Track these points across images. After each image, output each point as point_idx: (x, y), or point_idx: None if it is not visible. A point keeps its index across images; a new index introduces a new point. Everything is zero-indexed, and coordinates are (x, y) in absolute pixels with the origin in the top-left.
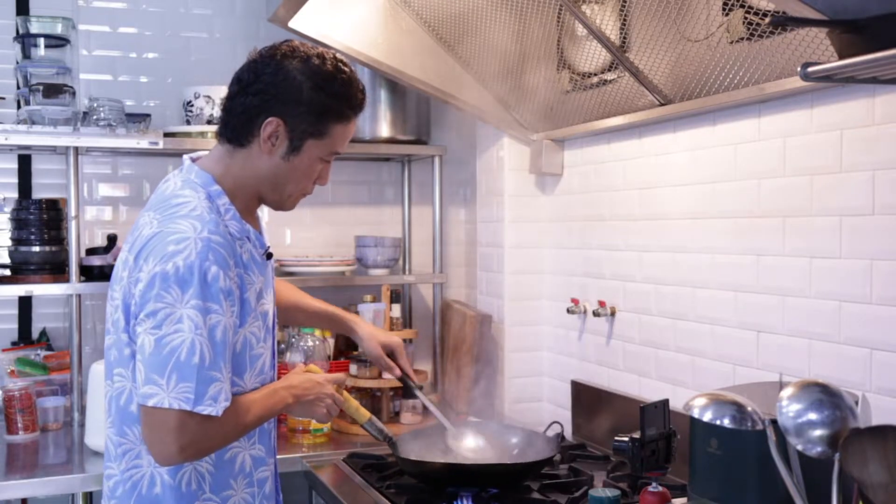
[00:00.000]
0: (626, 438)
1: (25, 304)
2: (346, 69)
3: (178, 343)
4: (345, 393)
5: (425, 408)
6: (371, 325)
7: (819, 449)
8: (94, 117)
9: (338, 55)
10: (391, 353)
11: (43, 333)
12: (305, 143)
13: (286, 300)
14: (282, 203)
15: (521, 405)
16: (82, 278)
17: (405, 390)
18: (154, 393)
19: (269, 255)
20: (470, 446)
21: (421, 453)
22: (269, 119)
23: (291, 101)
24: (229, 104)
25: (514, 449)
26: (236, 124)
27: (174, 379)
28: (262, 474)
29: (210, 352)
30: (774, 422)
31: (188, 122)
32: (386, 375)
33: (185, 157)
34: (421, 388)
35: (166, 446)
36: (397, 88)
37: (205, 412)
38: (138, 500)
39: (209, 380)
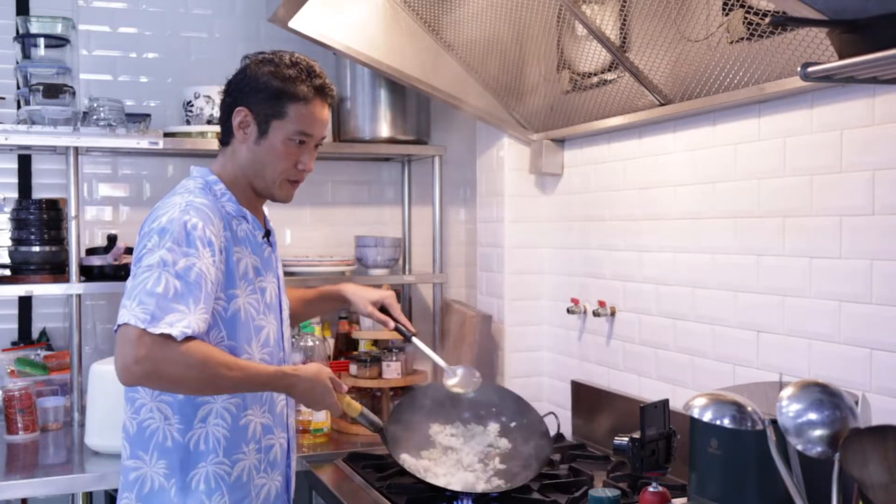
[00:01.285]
0: (626, 438)
1: (25, 304)
2: (302, 61)
3: (147, 275)
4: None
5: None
6: (358, 285)
7: (819, 449)
8: (94, 117)
9: (304, 56)
10: (383, 308)
11: (43, 333)
12: (271, 125)
13: (291, 299)
14: (270, 189)
15: None
16: (82, 278)
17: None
18: (122, 314)
19: (268, 234)
20: (462, 388)
21: (415, 452)
22: (237, 109)
23: (251, 91)
24: (219, 113)
25: (508, 421)
26: (222, 126)
27: (137, 300)
28: (268, 441)
29: (179, 287)
30: (774, 422)
31: (188, 122)
32: (386, 370)
33: (193, 166)
34: (416, 334)
35: (123, 358)
36: (397, 88)
37: (158, 331)
38: (156, 447)
39: (170, 309)
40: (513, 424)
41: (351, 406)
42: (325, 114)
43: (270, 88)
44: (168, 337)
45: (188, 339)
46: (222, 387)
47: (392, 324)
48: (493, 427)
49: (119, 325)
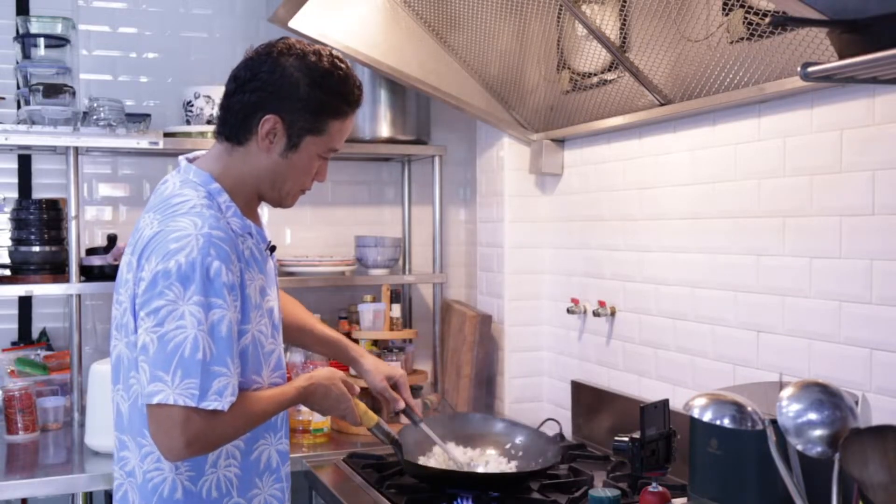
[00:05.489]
0: (626, 438)
1: (25, 304)
2: (342, 66)
3: (181, 339)
4: (353, 398)
5: (426, 407)
6: (375, 357)
7: (819, 449)
8: (94, 117)
9: (334, 52)
10: (395, 385)
11: (43, 333)
12: (304, 140)
13: (296, 320)
14: (281, 200)
15: (521, 405)
16: (82, 278)
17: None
18: (159, 390)
19: (273, 248)
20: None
21: (425, 454)
22: (267, 116)
23: (289, 98)
24: (227, 102)
25: (517, 451)
26: (234, 122)
27: (179, 375)
28: (288, 469)
29: (213, 347)
30: (774, 422)
31: (188, 122)
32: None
33: (181, 157)
34: (423, 420)
35: (173, 441)
36: (397, 88)
37: (210, 407)
38: (159, 502)
39: (214, 375)
40: (519, 440)
41: (367, 415)
42: (353, 123)
43: (313, 102)
44: (217, 411)
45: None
46: (260, 424)
47: (402, 404)
48: (506, 448)
49: (158, 403)
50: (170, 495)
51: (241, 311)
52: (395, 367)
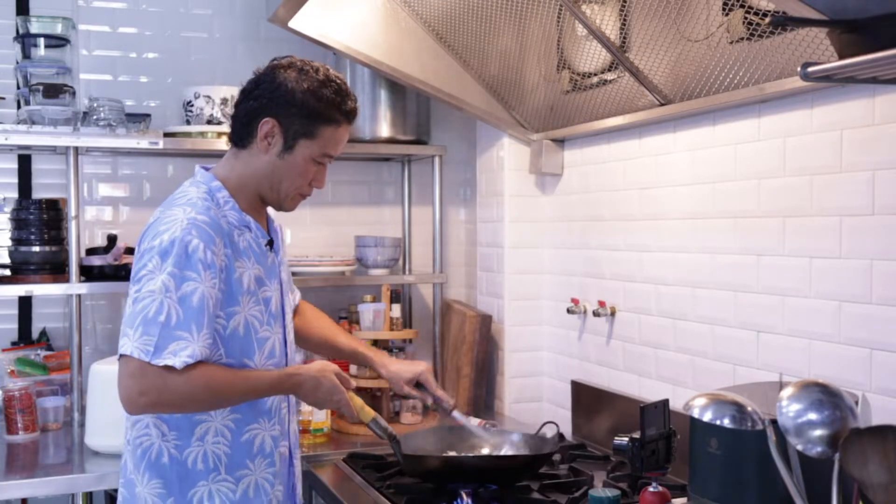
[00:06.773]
0: (626, 438)
1: (25, 304)
2: (337, 80)
3: (148, 302)
4: (349, 392)
5: (425, 408)
6: (395, 361)
7: (819, 449)
8: (94, 117)
9: (332, 70)
10: (419, 384)
11: (43, 333)
12: (298, 143)
13: (320, 335)
14: (280, 201)
15: (521, 405)
16: (82, 278)
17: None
18: (123, 343)
19: (270, 243)
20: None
21: (422, 451)
22: (266, 119)
23: (285, 104)
24: (235, 111)
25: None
26: (239, 128)
27: (140, 331)
28: (283, 450)
29: (180, 314)
30: (774, 422)
31: (188, 122)
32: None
33: (197, 165)
34: (455, 408)
35: (127, 390)
36: (397, 88)
37: (161, 363)
38: (147, 465)
39: (173, 338)
40: (514, 439)
41: (364, 410)
42: (348, 134)
43: (307, 107)
44: (170, 367)
45: (190, 365)
46: (230, 402)
47: (429, 399)
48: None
49: (121, 355)
50: (157, 460)
51: (229, 294)
52: (415, 367)
